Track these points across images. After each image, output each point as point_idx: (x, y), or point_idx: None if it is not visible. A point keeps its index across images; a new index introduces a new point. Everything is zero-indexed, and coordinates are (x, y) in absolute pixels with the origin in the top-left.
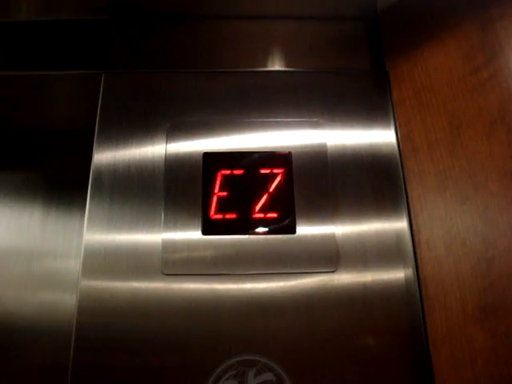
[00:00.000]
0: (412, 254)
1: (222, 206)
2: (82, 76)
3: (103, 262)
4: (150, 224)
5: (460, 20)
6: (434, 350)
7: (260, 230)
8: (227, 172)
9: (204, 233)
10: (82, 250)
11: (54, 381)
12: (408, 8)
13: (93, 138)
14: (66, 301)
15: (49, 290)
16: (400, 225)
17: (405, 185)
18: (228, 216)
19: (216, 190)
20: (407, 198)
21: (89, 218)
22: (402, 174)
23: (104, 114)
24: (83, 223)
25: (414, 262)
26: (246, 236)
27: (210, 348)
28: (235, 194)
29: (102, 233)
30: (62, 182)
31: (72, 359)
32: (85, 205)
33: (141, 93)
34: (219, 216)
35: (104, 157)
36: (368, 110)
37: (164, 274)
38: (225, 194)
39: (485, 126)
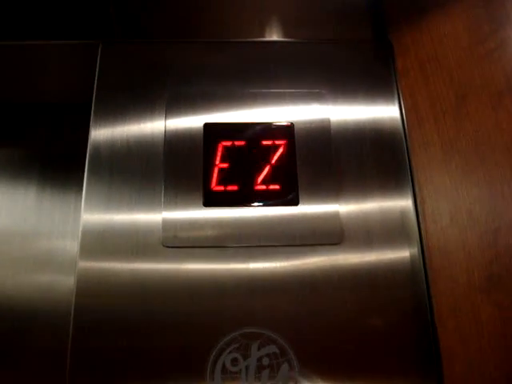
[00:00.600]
0: (417, 229)
1: (224, 178)
2: (78, 46)
3: (102, 241)
4: (150, 199)
5: None
6: (439, 323)
7: (262, 201)
8: (228, 143)
9: (205, 204)
10: (80, 229)
11: (53, 363)
12: None
13: (90, 112)
14: (63, 281)
15: (45, 271)
16: (404, 200)
17: (409, 159)
18: (229, 188)
19: (217, 162)
20: (411, 170)
21: (86, 196)
22: (405, 148)
23: (101, 86)
24: (79, 202)
25: (419, 237)
26: (248, 208)
27: (212, 322)
28: (237, 166)
29: (101, 212)
30: (57, 158)
31: (71, 341)
32: (81, 182)
33: (139, 63)
34: (220, 188)
35: (102, 132)
36: (371, 81)
37: (165, 246)
38: (226, 165)
39: (491, 96)
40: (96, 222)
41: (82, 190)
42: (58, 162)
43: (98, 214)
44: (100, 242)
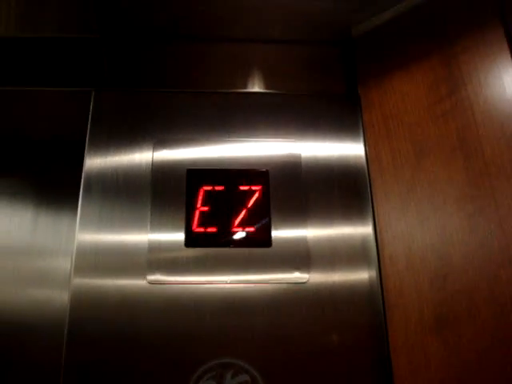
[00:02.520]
0: (377, 266)
1: (204, 220)
2: (72, 92)
3: (94, 260)
4: (137, 228)
5: (427, 53)
6: (393, 355)
7: (238, 242)
8: (209, 188)
9: (187, 245)
10: (74, 249)
11: (47, 377)
12: (381, 37)
13: (82, 148)
14: (56, 298)
15: (39, 288)
16: (366, 234)
17: (372, 202)
18: (209, 229)
19: (198, 205)
20: (374, 214)
21: (81, 219)
22: (369, 191)
23: (94, 129)
24: (71, 226)
25: (379, 274)
26: (226, 248)
27: (192, 349)
28: (216, 209)
29: (93, 233)
30: (51, 187)
31: (64, 355)
32: (73, 207)
33: (129, 110)
34: (201, 229)
35: (94, 163)
36: (340, 130)
37: (149, 283)
38: (206, 208)
39: (445, 152)
40: (89, 242)
41: (73, 213)
42: (52, 191)
43: (91, 235)
44: (92, 261)
